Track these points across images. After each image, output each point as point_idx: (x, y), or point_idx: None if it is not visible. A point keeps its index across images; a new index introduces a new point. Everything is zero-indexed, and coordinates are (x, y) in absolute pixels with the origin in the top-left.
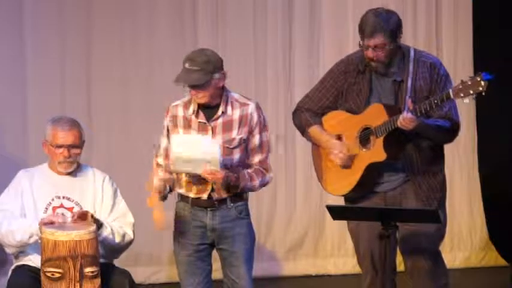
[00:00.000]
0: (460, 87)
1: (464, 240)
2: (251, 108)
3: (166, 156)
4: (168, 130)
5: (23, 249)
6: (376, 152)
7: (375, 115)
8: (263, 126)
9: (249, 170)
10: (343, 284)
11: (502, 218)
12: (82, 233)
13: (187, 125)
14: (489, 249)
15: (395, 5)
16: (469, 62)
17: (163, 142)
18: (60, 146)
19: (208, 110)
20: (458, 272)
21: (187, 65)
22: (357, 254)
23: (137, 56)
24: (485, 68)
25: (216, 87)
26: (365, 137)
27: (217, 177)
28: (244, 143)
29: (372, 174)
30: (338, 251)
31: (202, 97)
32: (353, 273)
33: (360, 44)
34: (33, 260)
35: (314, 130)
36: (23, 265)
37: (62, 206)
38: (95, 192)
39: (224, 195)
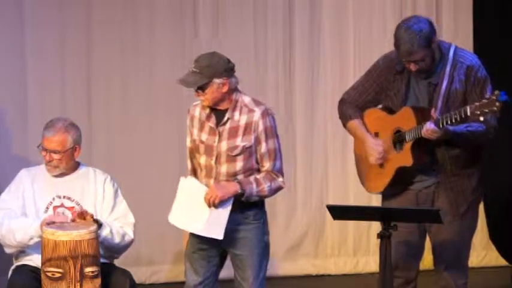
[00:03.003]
0: (477, 104)
1: None
2: (257, 115)
3: (190, 157)
4: (190, 130)
5: (22, 249)
6: (404, 157)
7: (405, 119)
8: (270, 133)
9: (257, 176)
10: (344, 284)
11: (502, 218)
12: (83, 233)
13: (201, 127)
14: (489, 249)
15: (394, 6)
16: None
17: (188, 141)
18: (44, 150)
19: (219, 114)
20: None
21: (191, 66)
22: None
23: (137, 56)
24: (486, 68)
25: (218, 92)
26: (399, 139)
27: (216, 194)
28: (248, 151)
29: (403, 175)
30: (338, 251)
31: (204, 100)
32: (353, 273)
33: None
34: (34, 259)
35: (353, 124)
36: (24, 265)
37: (62, 205)
38: (95, 192)
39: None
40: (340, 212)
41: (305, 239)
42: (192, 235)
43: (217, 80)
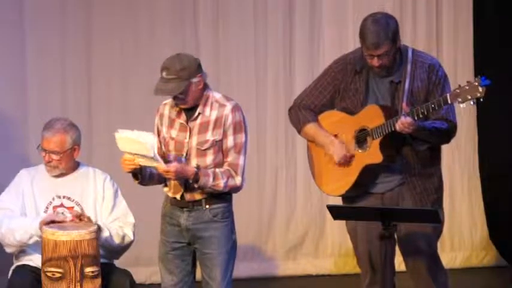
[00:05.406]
0: (458, 91)
1: (464, 240)
2: (227, 109)
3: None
4: (158, 128)
5: (22, 249)
6: (373, 154)
7: (371, 116)
8: (239, 128)
9: (216, 169)
10: (344, 284)
11: (503, 218)
12: (83, 233)
13: (171, 125)
14: (490, 249)
15: (394, 6)
16: (469, 64)
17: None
18: (44, 150)
19: (190, 110)
20: (458, 272)
21: (164, 74)
22: (356, 254)
23: (137, 56)
24: (486, 68)
25: (196, 91)
26: (362, 138)
27: (171, 176)
28: (218, 144)
29: (368, 175)
30: (339, 250)
31: (185, 103)
32: (354, 273)
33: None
34: (34, 259)
35: (311, 128)
36: (24, 265)
37: (62, 205)
38: (95, 192)
39: (198, 196)
40: (340, 212)
41: (305, 239)
42: (162, 235)
43: (194, 80)
